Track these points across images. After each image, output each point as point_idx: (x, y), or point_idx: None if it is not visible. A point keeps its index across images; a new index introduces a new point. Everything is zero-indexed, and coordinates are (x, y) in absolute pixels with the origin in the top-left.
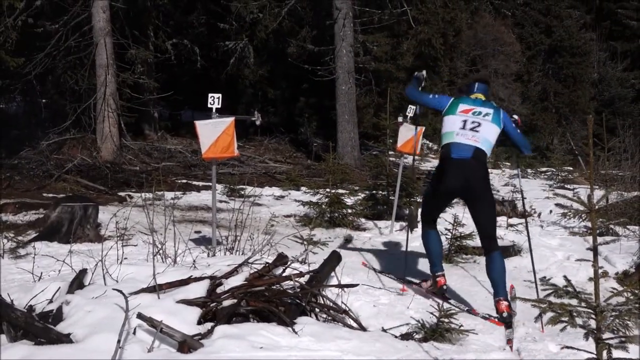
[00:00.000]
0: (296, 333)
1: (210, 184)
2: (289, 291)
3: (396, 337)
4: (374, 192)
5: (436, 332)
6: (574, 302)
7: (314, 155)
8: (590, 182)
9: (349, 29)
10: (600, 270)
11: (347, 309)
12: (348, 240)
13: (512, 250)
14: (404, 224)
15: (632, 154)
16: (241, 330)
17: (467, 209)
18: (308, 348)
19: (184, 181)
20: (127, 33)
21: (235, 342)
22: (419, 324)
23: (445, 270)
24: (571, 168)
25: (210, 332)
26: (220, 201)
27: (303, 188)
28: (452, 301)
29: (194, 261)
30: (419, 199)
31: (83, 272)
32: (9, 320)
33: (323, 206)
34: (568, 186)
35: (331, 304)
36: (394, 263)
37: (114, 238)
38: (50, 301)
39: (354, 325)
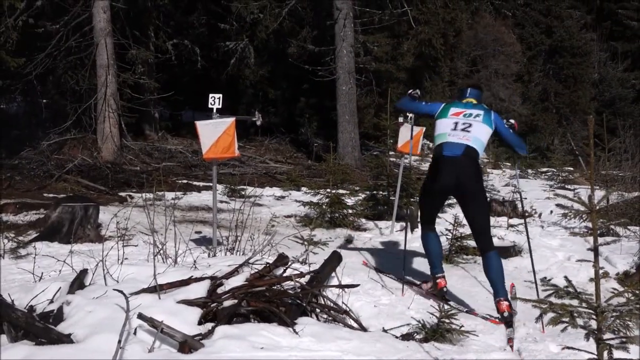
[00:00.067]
0: (297, 333)
1: (211, 184)
2: (290, 291)
3: (397, 337)
4: (375, 192)
5: (437, 333)
6: (575, 302)
7: (315, 156)
8: (591, 183)
9: (350, 29)
10: (601, 271)
11: (348, 310)
12: (348, 240)
13: (513, 251)
14: (405, 224)
15: (632, 155)
16: (242, 331)
17: (461, 209)
18: (309, 348)
19: (185, 181)
20: (127, 33)
21: (236, 342)
22: (420, 325)
23: (446, 271)
24: (572, 168)
25: (210, 332)
26: (221, 201)
27: (304, 188)
28: (451, 302)
29: (195, 261)
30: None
31: (84, 272)
32: (9, 321)
33: (323, 206)
34: (568, 186)
35: (332, 305)
36: (395, 263)
37: (114, 238)
38: (51, 301)
39: (355, 325)
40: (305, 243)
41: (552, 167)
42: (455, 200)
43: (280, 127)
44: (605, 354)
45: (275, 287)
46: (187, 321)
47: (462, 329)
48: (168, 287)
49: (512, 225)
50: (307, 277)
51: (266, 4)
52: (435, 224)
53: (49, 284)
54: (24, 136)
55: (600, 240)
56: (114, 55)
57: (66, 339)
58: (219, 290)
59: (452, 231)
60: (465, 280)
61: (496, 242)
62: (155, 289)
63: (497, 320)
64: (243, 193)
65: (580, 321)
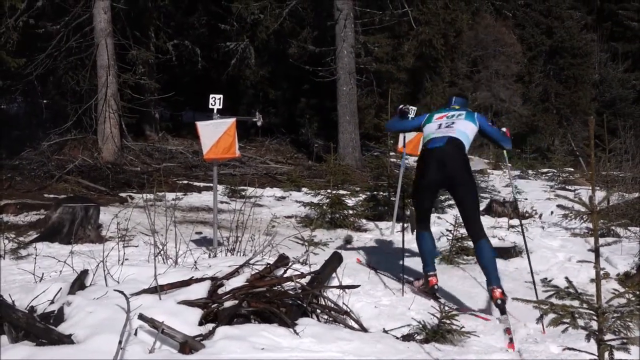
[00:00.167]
0: (297, 334)
1: (212, 184)
2: (290, 292)
3: (397, 338)
4: (375, 193)
5: (437, 333)
6: (576, 303)
7: (315, 156)
8: (592, 183)
9: (350, 30)
10: (601, 272)
11: (349, 310)
12: (349, 241)
13: (513, 252)
14: (406, 225)
15: (633, 155)
16: (242, 331)
17: (453, 198)
18: (309, 349)
19: (185, 182)
20: (128, 34)
21: (237, 343)
22: (421, 325)
23: (446, 272)
24: (572, 169)
25: (211, 333)
26: (222, 202)
27: (304, 189)
28: (443, 301)
29: (195, 262)
30: None
31: (84, 273)
32: (10, 321)
33: (324, 207)
34: (569, 187)
35: (332, 305)
36: (395, 264)
37: (115, 239)
38: (52, 302)
39: (355, 326)
40: (306, 244)
41: (553, 168)
42: (455, 201)
43: (280, 127)
44: (606, 354)
45: (275, 288)
46: (187, 322)
47: (463, 329)
48: (169, 288)
49: (512, 226)
50: (308, 278)
51: (267, 5)
52: (429, 223)
53: (50, 285)
54: (25, 137)
55: (601, 241)
56: (115, 56)
57: (67, 339)
58: (220, 291)
59: (452, 232)
60: (466, 281)
61: (497, 243)
62: (156, 290)
63: (488, 318)
64: (243, 194)
65: (581, 322)
